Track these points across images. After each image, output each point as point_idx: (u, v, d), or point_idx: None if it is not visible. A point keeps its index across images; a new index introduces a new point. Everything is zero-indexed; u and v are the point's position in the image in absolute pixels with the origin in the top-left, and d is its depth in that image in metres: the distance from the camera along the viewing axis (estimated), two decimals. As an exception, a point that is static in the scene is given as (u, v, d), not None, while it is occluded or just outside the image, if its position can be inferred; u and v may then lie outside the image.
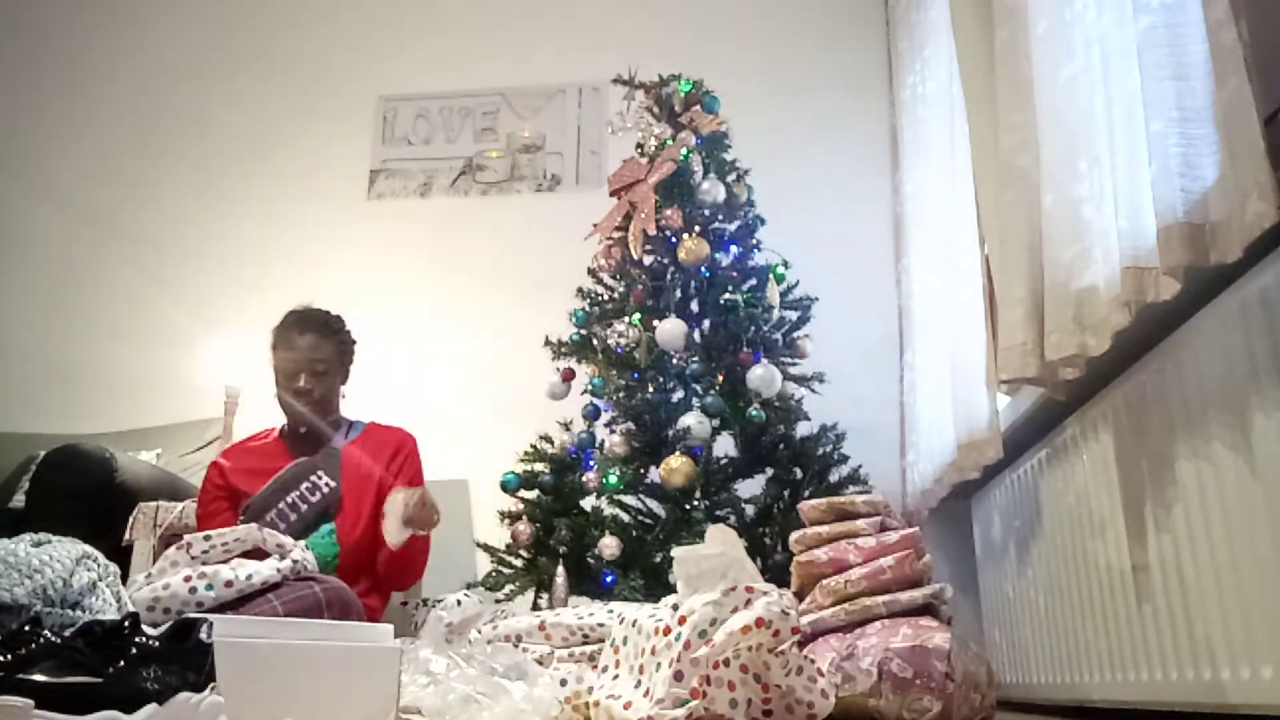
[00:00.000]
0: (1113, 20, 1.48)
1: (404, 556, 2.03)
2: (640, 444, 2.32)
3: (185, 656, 0.95)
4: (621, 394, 2.40)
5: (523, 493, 2.42)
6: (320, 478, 2.12)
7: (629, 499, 2.36)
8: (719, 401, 2.29)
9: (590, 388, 2.47)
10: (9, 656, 0.86)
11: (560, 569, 2.21)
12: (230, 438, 2.84)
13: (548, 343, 2.54)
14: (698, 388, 2.41)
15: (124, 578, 1.45)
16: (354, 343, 2.31)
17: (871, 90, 3.46)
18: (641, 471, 2.31)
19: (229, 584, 1.59)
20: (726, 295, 2.43)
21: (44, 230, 3.67)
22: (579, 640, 1.60)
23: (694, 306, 2.50)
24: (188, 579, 1.58)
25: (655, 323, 2.35)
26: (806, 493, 2.25)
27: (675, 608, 1.27)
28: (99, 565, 1.33)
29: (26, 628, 0.90)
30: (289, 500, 2.08)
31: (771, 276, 2.48)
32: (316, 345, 2.18)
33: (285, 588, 1.68)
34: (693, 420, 2.23)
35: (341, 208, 3.62)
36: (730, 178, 2.59)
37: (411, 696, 1.28)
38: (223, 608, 1.58)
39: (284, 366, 2.17)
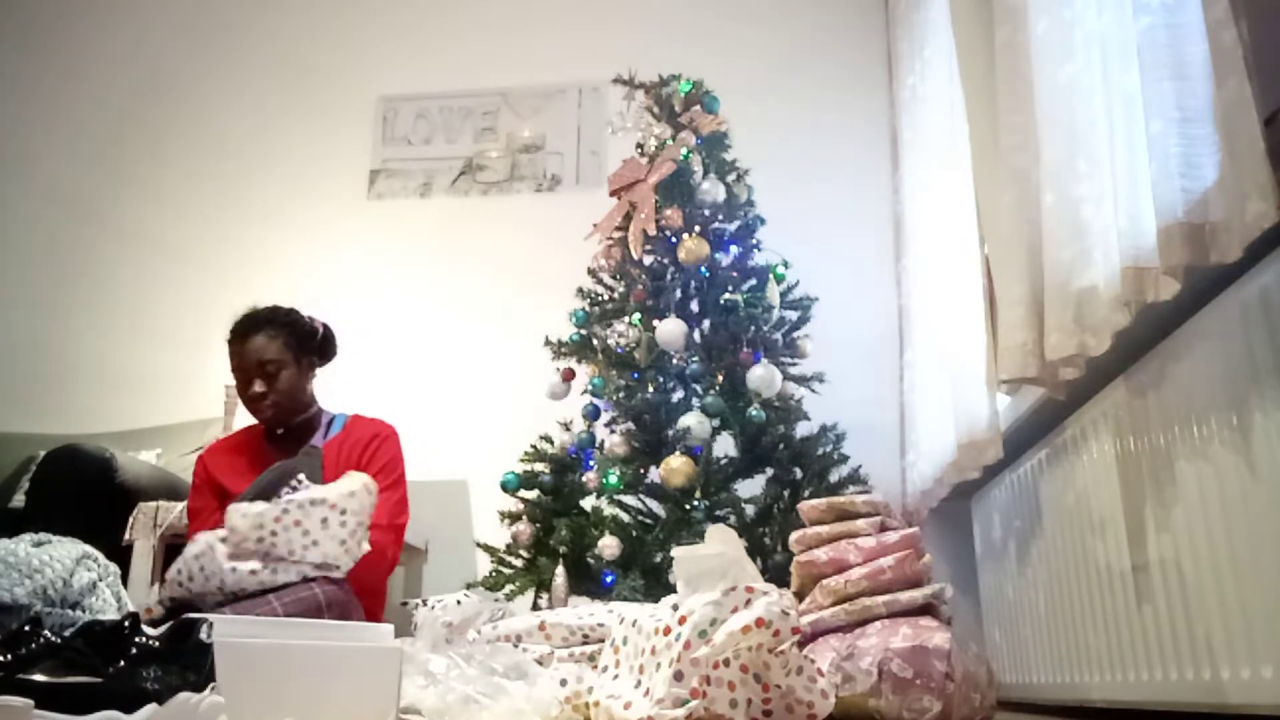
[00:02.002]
0: (1112, 20, 1.48)
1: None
2: (640, 444, 2.32)
3: (185, 656, 0.95)
4: (621, 394, 2.40)
5: (523, 493, 2.42)
6: (301, 482, 2.05)
7: (629, 499, 2.36)
8: (719, 401, 2.29)
9: (590, 388, 2.47)
10: (9, 656, 0.86)
11: (560, 569, 2.21)
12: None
13: (548, 343, 2.54)
14: (698, 388, 2.41)
15: (124, 578, 1.45)
16: (316, 331, 2.24)
17: (871, 90, 3.46)
18: (641, 471, 2.31)
19: (253, 572, 1.61)
20: (726, 295, 2.43)
21: (44, 230, 3.67)
22: (579, 640, 1.60)
23: (694, 306, 2.50)
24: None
25: (655, 323, 2.35)
26: (806, 493, 2.25)
27: (675, 608, 1.26)
28: (99, 565, 1.33)
29: (26, 628, 0.90)
30: None
31: (771, 276, 2.48)
32: (264, 346, 2.14)
33: (286, 589, 1.67)
34: (693, 420, 2.23)
35: (341, 208, 3.61)
36: (730, 178, 2.59)
37: (411, 696, 1.28)
38: (238, 597, 1.62)
39: (236, 376, 2.15)
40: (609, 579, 2.17)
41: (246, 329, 2.17)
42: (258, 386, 2.12)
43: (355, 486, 1.75)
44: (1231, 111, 1.18)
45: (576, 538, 2.26)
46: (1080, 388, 1.70)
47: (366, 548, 1.79)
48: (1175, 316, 1.41)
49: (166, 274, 3.56)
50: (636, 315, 2.43)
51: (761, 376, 2.28)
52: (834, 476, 2.33)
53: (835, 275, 2.93)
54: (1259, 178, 1.13)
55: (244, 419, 2.88)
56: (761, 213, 2.62)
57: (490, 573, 2.38)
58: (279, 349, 2.15)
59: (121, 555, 2.27)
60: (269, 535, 1.67)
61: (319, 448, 2.15)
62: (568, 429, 2.48)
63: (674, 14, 3.63)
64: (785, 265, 2.56)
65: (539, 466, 2.44)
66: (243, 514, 1.68)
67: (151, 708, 0.86)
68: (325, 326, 2.30)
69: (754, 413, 2.27)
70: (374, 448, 2.17)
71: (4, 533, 1.33)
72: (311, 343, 2.23)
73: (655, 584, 2.09)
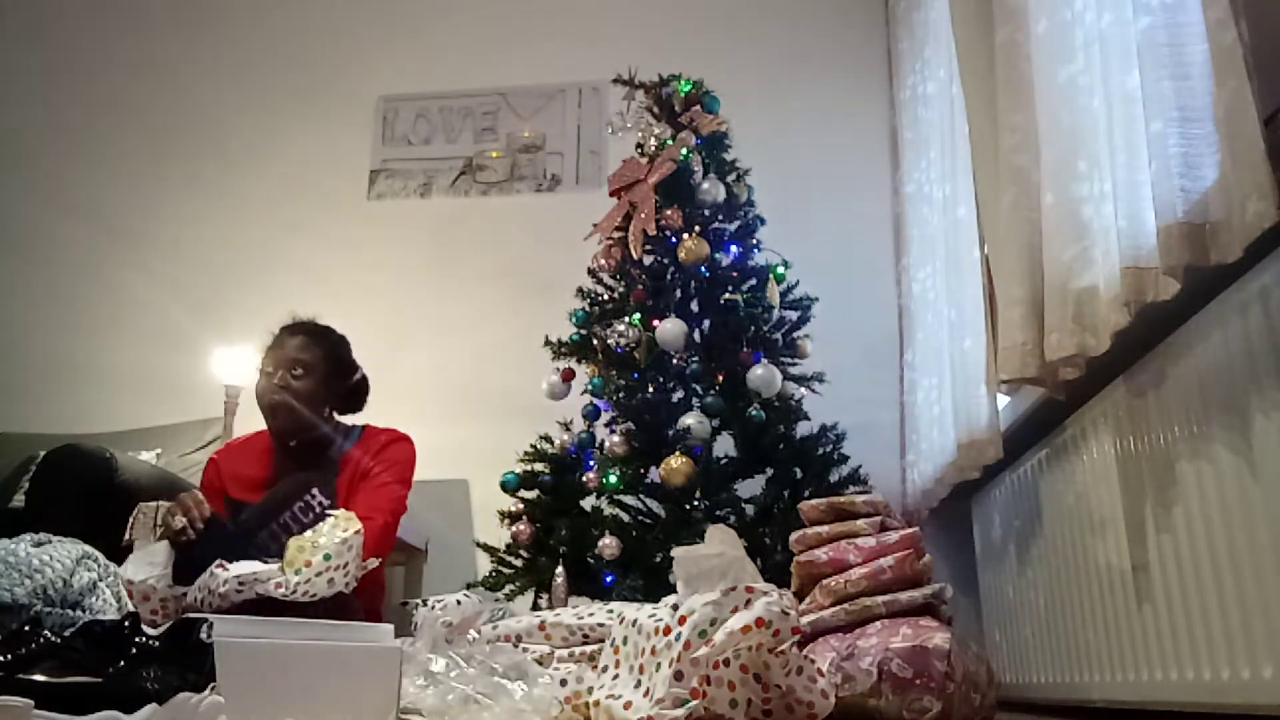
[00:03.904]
0: (1113, 20, 1.48)
1: None
2: (640, 444, 2.32)
3: (185, 656, 0.95)
4: (621, 394, 2.40)
5: (523, 493, 2.42)
6: (314, 496, 2.05)
7: (629, 499, 2.36)
8: (719, 401, 2.29)
9: (590, 388, 2.47)
10: (9, 656, 0.86)
11: (560, 569, 2.21)
12: (230, 438, 2.84)
13: (548, 343, 2.54)
14: (698, 388, 2.41)
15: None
16: (354, 369, 2.24)
17: (871, 90, 3.46)
18: (641, 471, 2.31)
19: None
20: (726, 295, 2.44)
21: (45, 230, 3.67)
22: (579, 640, 1.60)
23: (694, 306, 2.51)
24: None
25: (655, 323, 2.35)
26: (806, 493, 2.25)
27: (675, 608, 1.26)
28: (99, 565, 1.33)
29: (26, 628, 0.90)
30: (281, 520, 2.02)
31: (771, 276, 2.48)
32: (304, 346, 2.14)
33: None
34: (693, 420, 2.23)
35: (341, 208, 3.62)
36: (730, 178, 2.59)
37: (411, 697, 1.28)
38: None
39: (265, 361, 2.14)
40: (609, 579, 2.17)
41: (298, 329, 2.18)
42: (278, 379, 2.11)
43: (348, 534, 1.76)
44: (1231, 111, 1.18)
45: (576, 538, 2.26)
46: (1080, 388, 1.70)
47: (372, 563, 1.81)
48: (1175, 316, 1.41)
49: (167, 274, 3.56)
50: (636, 315, 2.42)
51: (761, 376, 2.28)
52: (834, 476, 2.33)
53: (835, 275, 2.93)
54: (1259, 178, 1.12)
55: (244, 420, 2.89)
56: (761, 213, 2.62)
57: (490, 573, 2.38)
58: (316, 358, 2.15)
59: (121, 555, 2.26)
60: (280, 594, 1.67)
61: (335, 459, 2.14)
62: (568, 429, 2.48)
63: (674, 14, 3.64)
64: (785, 265, 2.56)
65: (539, 466, 2.44)
66: (254, 580, 1.67)
67: (151, 708, 0.86)
68: (365, 378, 2.30)
69: (754, 413, 2.27)
70: (388, 449, 2.17)
71: (4, 533, 1.32)
72: (344, 376, 2.23)
73: (655, 584, 2.09)
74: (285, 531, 1.99)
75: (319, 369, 2.16)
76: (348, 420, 2.27)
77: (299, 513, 2.04)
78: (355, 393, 2.28)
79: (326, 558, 1.70)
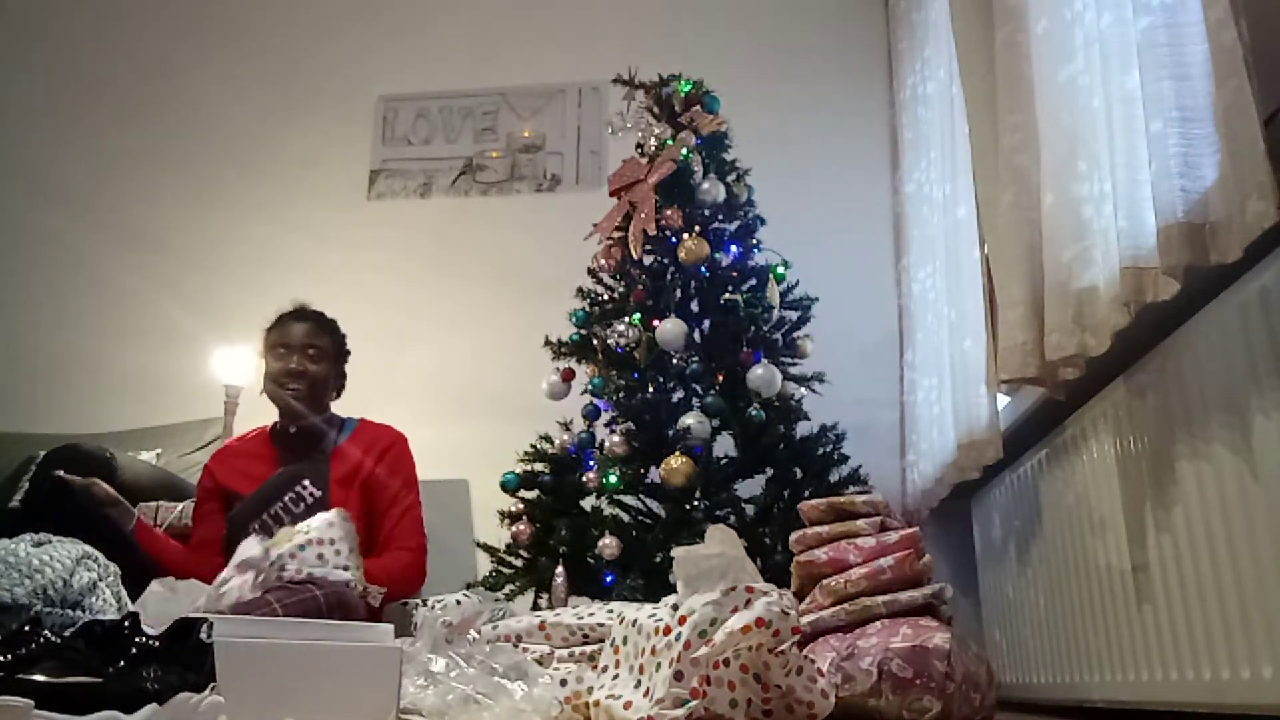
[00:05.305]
0: (1113, 20, 1.48)
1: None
2: (640, 444, 2.32)
3: (185, 656, 0.95)
4: (621, 394, 2.39)
5: (523, 493, 2.42)
6: (305, 487, 2.07)
7: (629, 499, 2.36)
8: (719, 401, 2.29)
9: (590, 388, 2.47)
10: (9, 656, 0.86)
11: (560, 569, 2.21)
12: (230, 437, 2.84)
13: (548, 343, 2.54)
14: (698, 388, 2.41)
15: (124, 578, 1.45)
16: (348, 351, 2.28)
17: (871, 90, 3.46)
18: (641, 471, 2.31)
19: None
20: (726, 295, 2.43)
21: (45, 231, 3.66)
22: (579, 640, 1.60)
23: (694, 306, 2.50)
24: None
25: (655, 323, 2.35)
26: (806, 493, 2.25)
27: (675, 608, 1.27)
28: (99, 565, 1.33)
29: (26, 628, 0.90)
30: (272, 511, 2.03)
31: (771, 276, 2.48)
32: (313, 332, 2.18)
33: (284, 590, 1.67)
34: (693, 420, 2.23)
35: (341, 208, 3.62)
36: (730, 178, 2.59)
37: (411, 697, 1.28)
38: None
39: (276, 351, 2.16)
40: (609, 579, 2.17)
41: (302, 316, 2.21)
42: (295, 363, 2.14)
43: (331, 517, 1.77)
44: (1231, 111, 1.18)
45: (576, 538, 2.26)
46: (1080, 388, 1.70)
47: (375, 592, 1.82)
48: (1175, 316, 1.41)
49: (167, 274, 3.56)
50: (636, 315, 2.42)
51: (761, 376, 2.28)
52: (834, 476, 2.32)
53: (835, 275, 2.93)
54: (1259, 178, 1.12)
55: (244, 420, 2.89)
56: (761, 213, 2.62)
57: (490, 573, 2.38)
58: (326, 343, 2.20)
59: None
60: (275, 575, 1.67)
61: (327, 452, 2.15)
62: (568, 429, 2.48)
63: (674, 14, 3.63)
64: (785, 265, 2.56)
65: (539, 466, 2.44)
66: (245, 562, 1.67)
67: (151, 708, 0.86)
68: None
69: (754, 413, 2.27)
70: (392, 456, 2.19)
71: (4, 533, 1.33)
72: (344, 358, 2.28)
73: (655, 584, 2.09)
74: (276, 522, 2.01)
75: (329, 354, 2.21)
76: (341, 413, 2.28)
77: (290, 503, 2.05)
78: (344, 375, 2.32)
79: (304, 532, 1.72)
